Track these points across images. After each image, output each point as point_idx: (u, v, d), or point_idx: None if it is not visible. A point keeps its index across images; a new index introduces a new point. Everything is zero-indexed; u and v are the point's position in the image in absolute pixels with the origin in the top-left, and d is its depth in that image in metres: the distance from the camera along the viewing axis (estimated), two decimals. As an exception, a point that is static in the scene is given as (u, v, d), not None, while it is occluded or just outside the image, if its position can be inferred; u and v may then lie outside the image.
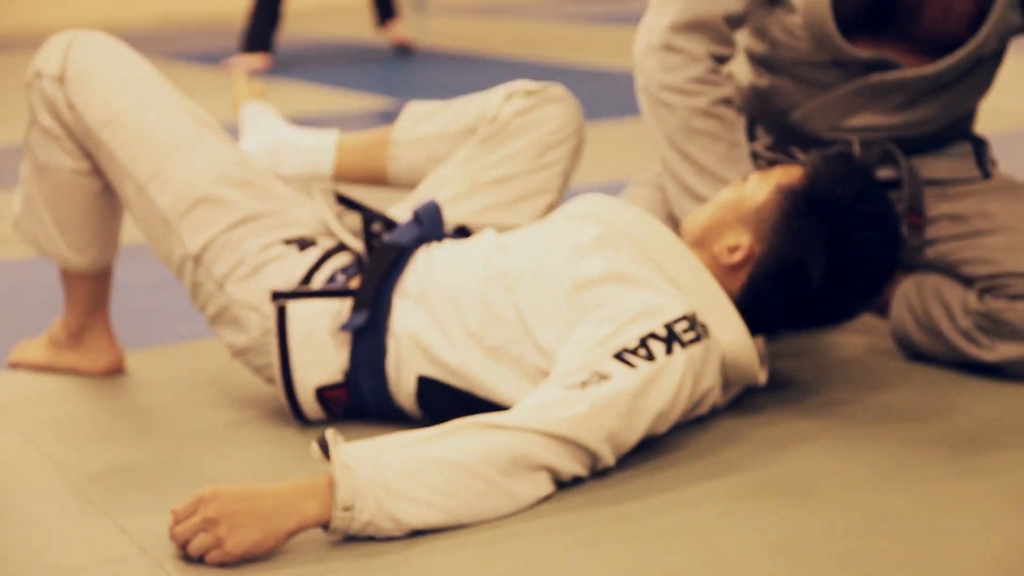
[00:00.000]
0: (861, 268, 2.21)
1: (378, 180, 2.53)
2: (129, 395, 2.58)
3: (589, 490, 2.01)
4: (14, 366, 2.68)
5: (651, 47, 2.47)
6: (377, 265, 2.25)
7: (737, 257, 2.19)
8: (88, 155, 2.41)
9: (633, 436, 2.03)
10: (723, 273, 2.20)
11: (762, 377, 2.24)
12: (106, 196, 2.46)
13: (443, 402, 2.14)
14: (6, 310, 3.18)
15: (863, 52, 2.42)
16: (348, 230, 2.34)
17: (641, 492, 2.02)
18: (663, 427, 2.09)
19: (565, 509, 1.96)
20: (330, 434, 1.87)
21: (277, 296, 2.23)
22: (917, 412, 2.33)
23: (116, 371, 2.63)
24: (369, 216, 2.35)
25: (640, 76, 2.51)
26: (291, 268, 2.28)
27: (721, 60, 2.48)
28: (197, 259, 2.30)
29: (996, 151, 2.66)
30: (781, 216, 2.19)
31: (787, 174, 2.23)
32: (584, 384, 1.98)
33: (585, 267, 2.13)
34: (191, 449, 2.30)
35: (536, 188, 2.45)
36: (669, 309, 2.09)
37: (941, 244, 2.50)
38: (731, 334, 2.16)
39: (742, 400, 2.30)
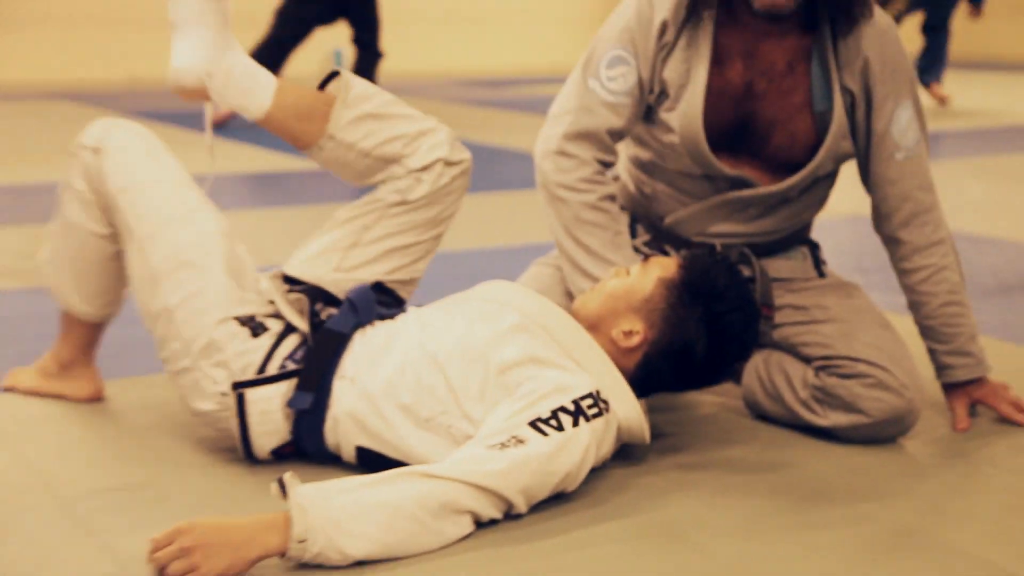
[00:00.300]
0: (733, 343, 2.16)
1: (295, 145, 2.31)
2: (111, 420, 2.42)
3: (502, 530, 1.92)
4: (8, 389, 2.52)
5: (548, 152, 2.43)
6: (320, 353, 2.12)
7: (634, 341, 2.12)
8: (109, 223, 2.28)
9: (544, 492, 1.95)
10: (620, 354, 2.13)
11: (647, 438, 2.15)
12: (119, 260, 2.30)
13: (379, 467, 1.99)
14: (3, 337, 3.00)
15: (727, 169, 2.38)
16: (294, 309, 2.19)
17: (545, 533, 1.93)
18: (572, 486, 2.00)
19: (482, 546, 1.88)
20: (287, 477, 1.79)
21: (237, 386, 2.10)
22: (766, 466, 2.25)
23: (97, 399, 2.49)
24: (313, 297, 2.21)
25: (539, 175, 2.46)
26: (249, 355, 2.13)
27: (606, 165, 2.44)
28: (171, 314, 2.15)
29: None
30: (667, 306, 2.12)
31: (665, 268, 2.17)
32: (503, 446, 1.91)
33: (507, 352, 2.04)
34: (168, 473, 2.16)
35: (431, 248, 2.35)
36: (577, 387, 2.01)
37: (785, 329, 2.44)
38: (626, 407, 2.09)
39: (627, 449, 2.20)
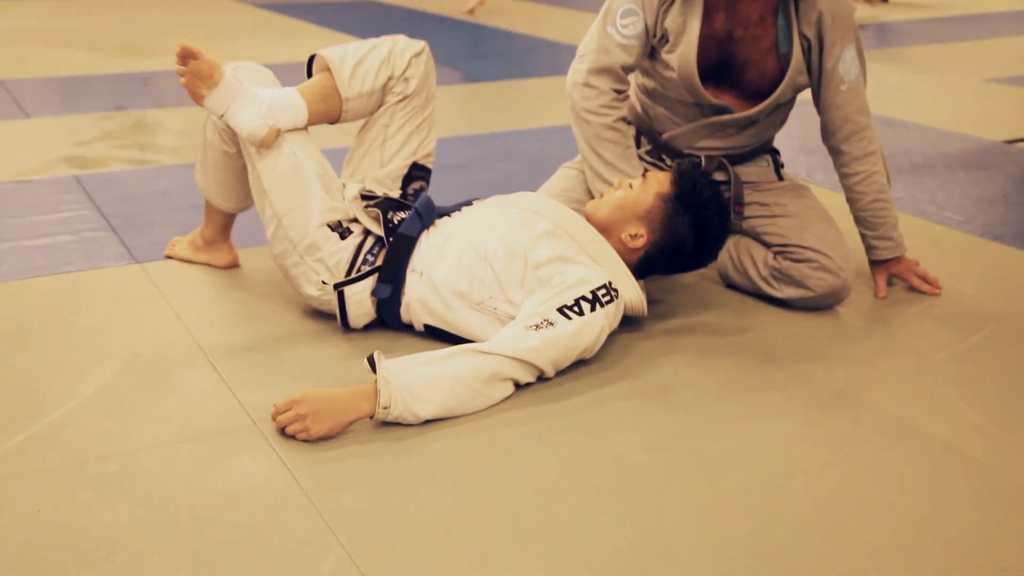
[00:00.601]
0: (713, 240, 2.20)
1: (329, 122, 2.32)
2: (243, 285, 2.46)
3: (535, 391, 1.99)
4: (168, 257, 2.59)
5: (575, 83, 2.45)
6: (395, 253, 2.15)
7: (639, 243, 2.16)
8: (236, 143, 2.32)
9: (568, 361, 2.01)
10: (627, 251, 2.17)
11: (646, 311, 2.20)
12: (245, 171, 2.33)
13: (442, 338, 2.09)
14: (164, 204, 3.02)
15: (712, 97, 2.38)
16: (371, 218, 2.21)
17: (568, 393, 1.99)
18: (589, 355, 2.06)
19: (521, 405, 1.94)
20: (376, 354, 1.84)
21: (337, 285, 2.14)
22: (735, 330, 2.29)
23: (234, 266, 2.55)
24: (385, 207, 2.22)
25: (568, 101, 2.47)
26: (340, 252, 2.17)
27: (620, 92, 2.43)
28: (280, 220, 2.18)
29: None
30: (665, 215, 2.15)
31: (660, 183, 2.18)
32: (537, 327, 1.96)
33: (540, 251, 2.08)
34: (285, 337, 2.20)
35: (433, 120, 2.40)
36: (594, 280, 2.04)
37: (752, 220, 2.46)
38: (631, 292, 2.14)
39: (630, 318, 2.24)
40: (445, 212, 2.25)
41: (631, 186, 2.22)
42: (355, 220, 2.22)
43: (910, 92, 5.15)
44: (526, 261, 2.08)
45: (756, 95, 2.40)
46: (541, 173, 2.80)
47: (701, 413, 1.96)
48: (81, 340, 2.16)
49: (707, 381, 2.07)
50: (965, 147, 3.93)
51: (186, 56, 2.12)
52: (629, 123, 2.52)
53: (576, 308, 2.00)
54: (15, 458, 1.75)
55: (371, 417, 1.83)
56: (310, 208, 2.18)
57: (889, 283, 2.52)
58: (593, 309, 2.02)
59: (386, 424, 1.85)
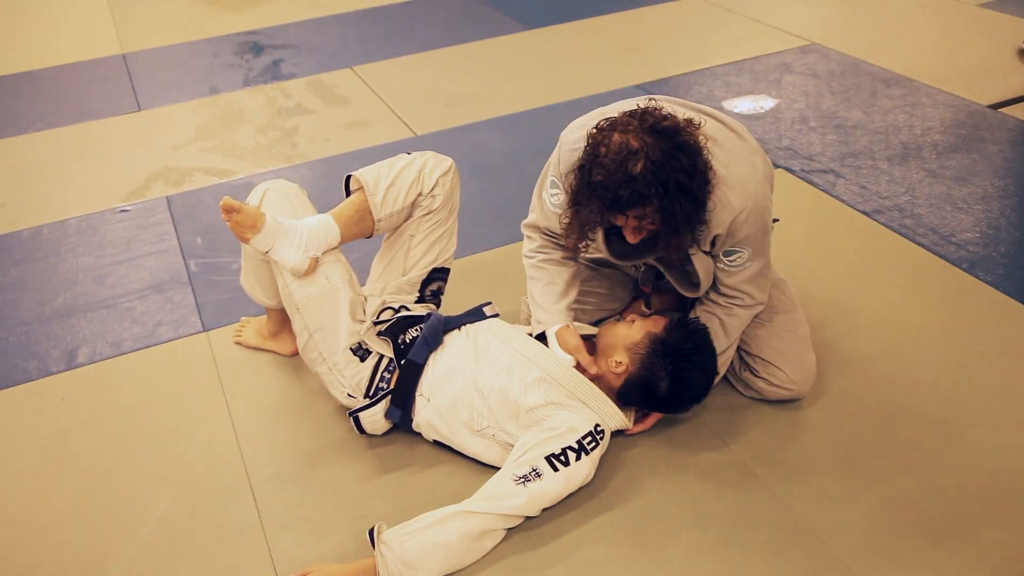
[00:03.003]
0: (685, 392, 1.98)
1: (363, 238, 2.20)
2: (299, 377, 2.34)
3: (524, 528, 1.89)
4: (238, 344, 2.47)
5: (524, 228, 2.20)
6: (405, 378, 2.03)
7: (620, 370, 1.99)
8: None
9: (553, 504, 1.90)
10: (612, 376, 2.00)
11: (630, 426, 2.05)
12: None
13: (449, 450, 2.04)
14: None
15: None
16: (385, 344, 2.09)
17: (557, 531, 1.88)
18: (573, 492, 1.93)
19: (502, 557, 1.84)
20: (376, 528, 1.77)
21: (352, 412, 2.04)
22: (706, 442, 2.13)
23: (295, 354, 2.41)
24: (397, 329, 2.09)
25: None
26: (360, 374, 2.06)
27: (554, 239, 2.14)
28: (311, 336, 2.08)
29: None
30: (646, 353, 1.96)
31: (656, 325, 1.98)
32: (525, 479, 1.84)
33: (531, 398, 1.93)
34: (324, 451, 2.10)
35: (455, 226, 2.24)
36: (581, 428, 1.90)
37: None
38: (615, 420, 1.99)
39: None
40: (455, 325, 2.11)
41: (632, 321, 2.03)
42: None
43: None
44: (518, 404, 1.94)
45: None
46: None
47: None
48: (145, 453, 2.13)
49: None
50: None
51: (229, 211, 2.02)
52: (568, 259, 2.18)
53: (563, 458, 1.87)
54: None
55: (370, 590, 1.77)
56: (339, 332, 2.07)
57: None
58: (579, 458, 1.88)
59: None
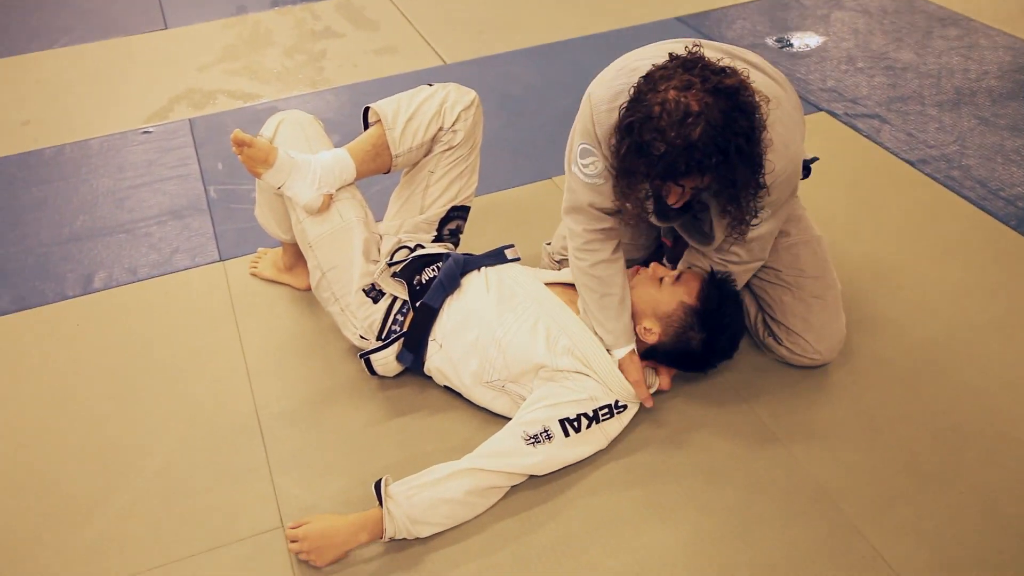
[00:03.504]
0: (717, 357, 1.92)
1: (380, 173, 2.09)
2: (313, 313, 2.28)
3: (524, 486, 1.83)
4: (253, 276, 2.40)
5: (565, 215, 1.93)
6: (418, 323, 1.96)
7: (650, 338, 1.90)
8: None
9: (560, 467, 1.83)
10: (637, 341, 1.92)
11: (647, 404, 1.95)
12: None
13: (459, 395, 1.97)
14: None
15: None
16: (400, 285, 2.01)
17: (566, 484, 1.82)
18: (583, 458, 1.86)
19: (509, 513, 1.79)
20: (382, 481, 1.72)
21: (363, 354, 1.98)
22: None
23: (310, 289, 2.33)
24: (412, 270, 2.01)
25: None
26: (372, 315, 1.99)
27: (600, 231, 1.89)
28: (324, 274, 2.01)
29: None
30: (681, 325, 1.88)
31: (688, 293, 1.88)
32: (536, 440, 1.77)
33: (561, 362, 1.85)
34: (335, 392, 2.04)
35: (476, 164, 2.14)
36: (599, 399, 1.84)
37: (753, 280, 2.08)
38: (635, 408, 1.92)
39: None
40: (473, 266, 2.02)
41: (662, 279, 1.92)
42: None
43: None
44: (542, 364, 1.85)
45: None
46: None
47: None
48: (156, 385, 2.10)
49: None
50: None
51: (240, 144, 1.93)
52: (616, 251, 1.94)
53: (575, 424, 1.80)
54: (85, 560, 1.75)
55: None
56: (352, 272, 1.99)
57: None
58: (589, 426, 1.82)
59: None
